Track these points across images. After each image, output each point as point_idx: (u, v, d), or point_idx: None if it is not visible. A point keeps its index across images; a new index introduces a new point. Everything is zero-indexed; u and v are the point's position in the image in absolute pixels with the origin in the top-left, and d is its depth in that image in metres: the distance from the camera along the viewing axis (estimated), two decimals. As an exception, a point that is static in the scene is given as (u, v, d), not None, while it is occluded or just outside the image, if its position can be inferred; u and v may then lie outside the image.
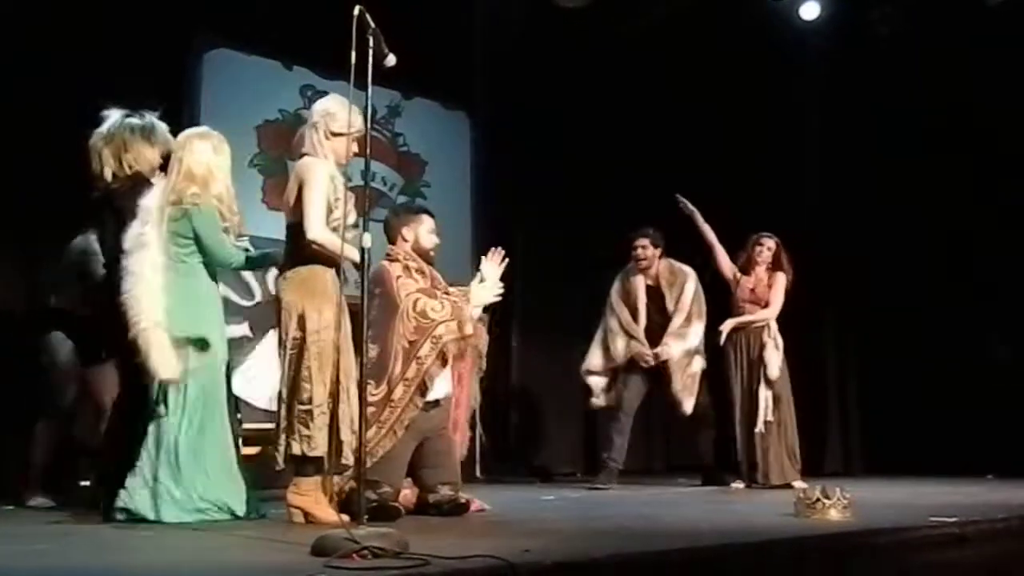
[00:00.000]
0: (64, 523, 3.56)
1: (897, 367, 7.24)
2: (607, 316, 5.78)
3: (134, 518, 3.48)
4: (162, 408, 3.55)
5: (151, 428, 3.56)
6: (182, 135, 3.80)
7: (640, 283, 5.76)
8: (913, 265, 7.22)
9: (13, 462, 4.79)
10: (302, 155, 3.66)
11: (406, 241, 4.12)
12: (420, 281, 4.03)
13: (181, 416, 3.55)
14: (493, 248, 4.17)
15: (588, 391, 5.82)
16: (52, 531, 3.35)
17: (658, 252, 5.74)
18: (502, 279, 4.13)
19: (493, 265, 4.17)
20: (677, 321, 5.66)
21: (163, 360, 3.51)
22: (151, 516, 3.47)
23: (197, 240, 3.66)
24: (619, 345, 5.69)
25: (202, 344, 3.61)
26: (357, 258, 3.45)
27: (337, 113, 3.63)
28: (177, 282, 3.63)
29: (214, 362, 3.67)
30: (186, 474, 3.53)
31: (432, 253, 4.17)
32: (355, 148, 3.61)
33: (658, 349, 5.61)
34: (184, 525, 3.43)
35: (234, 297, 5.08)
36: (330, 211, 3.53)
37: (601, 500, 4.94)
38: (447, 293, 4.04)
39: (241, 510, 3.60)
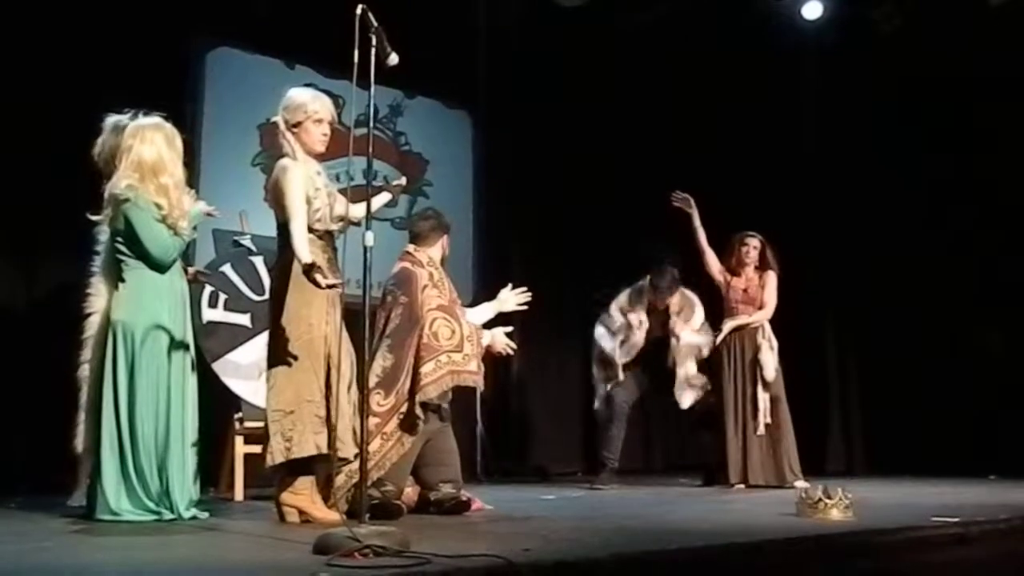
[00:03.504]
0: (69, 521, 3.56)
1: (899, 366, 7.23)
2: (614, 314, 5.75)
3: (88, 512, 3.51)
4: (110, 399, 3.53)
5: (104, 422, 3.54)
6: (134, 124, 3.70)
7: (643, 310, 5.71)
8: (914, 264, 7.21)
9: (16, 460, 4.82)
10: (283, 155, 3.62)
11: (444, 249, 4.15)
12: (442, 294, 4.02)
13: (129, 409, 3.52)
14: (523, 288, 4.26)
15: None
16: (56, 528, 3.35)
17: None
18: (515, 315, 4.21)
19: (513, 295, 4.24)
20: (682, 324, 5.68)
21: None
22: (100, 512, 3.48)
23: (129, 231, 3.59)
24: (607, 347, 5.70)
25: (151, 336, 3.57)
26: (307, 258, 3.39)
27: (290, 103, 3.59)
28: (126, 273, 3.62)
29: (169, 354, 3.61)
30: (138, 468, 3.51)
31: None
32: (323, 131, 3.58)
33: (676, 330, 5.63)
34: (151, 522, 3.45)
35: (244, 289, 5.09)
36: (309, 203, 3.50)
37: (601, 499, 4.94)
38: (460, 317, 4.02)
39: (186, 510, 3.56)
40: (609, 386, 5.69)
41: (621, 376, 5.65)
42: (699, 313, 5.73)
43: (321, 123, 3.58)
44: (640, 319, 5.67)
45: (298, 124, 3.57)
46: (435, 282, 4.02)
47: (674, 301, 5.73)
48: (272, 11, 5.97)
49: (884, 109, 7.36)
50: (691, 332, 5.65)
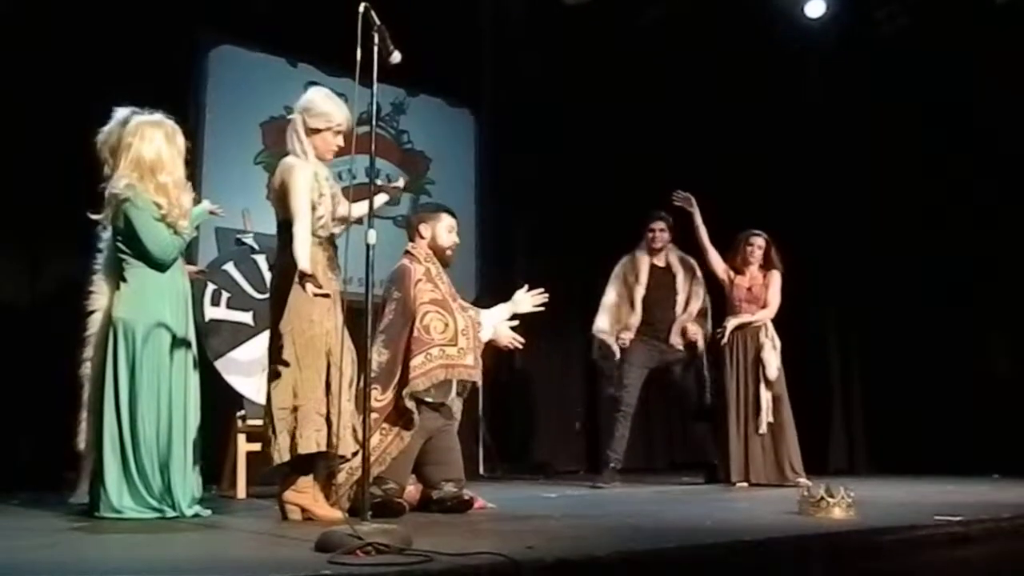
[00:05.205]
0: (72, 518, 3.57)
1: (901, 365, 7.22)
2: (608, 289, 5.83)
3: (91, 510, 3.52)
4: (111, 397, 3.53)
5: (106, 420, 3.54)
6: (134, 121, 3.69)
7: (646, 264, 5.81)
8: (916, 263, 7.20)
9: (19, 458, 4.83)
10: (286, 153, 3.60)
11: (423, 238, 4.12)
12: (440, 288, 4.01)
13: (130, 407, 3.52)
14: (541, 289, 4.19)
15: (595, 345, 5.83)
16: (59, 526, 3.35)
17: (670, 236, 5.87)
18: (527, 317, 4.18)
19: (528, 297, 4.18)
20: (694, 308, 5.78)
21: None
22: (102, 510, 3.48)
23: (128, 230, 3.59)
24: (606, 321, 5.75)
25: (152, 334, 3.57)
26: (306, 267, 3.36)
27: (315, 107, 3.57)
28: (128, 272, 3.62)
29: (171, 352, 3.61)
30: (140, 466, 3.51)
31: (449, 253, 4.16)
32: (338, 142, 3.57)
33: (691, 328, 5.72)
34: (154, 520, 3.45)
35: (246, 287, 5.10)
36: (313, 209, 3.48)
37: (604, 498, 4.94)
38: (462, 309, 4.00)
39: (188, 508, 3.56)
40: (613, 381, 5.72)
41: (618, 353, 5.68)
42: (700, 277, 5.86)
43: (339, 135, 3.58)
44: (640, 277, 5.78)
45: (317, 131, 3.56)
46: (431, 277, 4.01)
47: (673, 261, 5.85)
48: (274, 9, 5.97)
49: (887, 108, 7.34)
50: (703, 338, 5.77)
